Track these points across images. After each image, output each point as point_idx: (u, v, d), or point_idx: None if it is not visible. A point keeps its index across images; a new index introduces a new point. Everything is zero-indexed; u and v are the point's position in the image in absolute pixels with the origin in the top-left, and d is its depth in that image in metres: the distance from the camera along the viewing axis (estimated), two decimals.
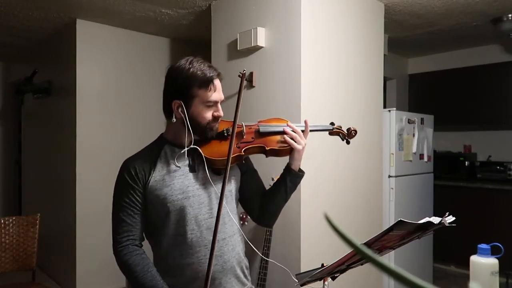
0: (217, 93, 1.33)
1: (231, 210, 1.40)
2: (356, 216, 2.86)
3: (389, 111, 3.35)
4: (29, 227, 2.75)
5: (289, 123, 1.41)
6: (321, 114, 2.57)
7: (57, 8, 3.26)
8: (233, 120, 1.27)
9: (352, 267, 1.18)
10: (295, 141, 1.37)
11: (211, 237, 1.29)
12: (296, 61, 2.48)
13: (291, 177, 1.42)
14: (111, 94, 3.74)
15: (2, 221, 2.69)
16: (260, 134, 1.39)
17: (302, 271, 2.22)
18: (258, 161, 1.60)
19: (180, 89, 1.30)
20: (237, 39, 2.78)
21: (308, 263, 2.41)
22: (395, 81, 4.85)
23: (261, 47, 2.67)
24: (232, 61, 2.89)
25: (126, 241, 1.29)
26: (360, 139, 2.88)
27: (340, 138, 1.55)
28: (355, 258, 1.09)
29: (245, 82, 2.77)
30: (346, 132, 1.53)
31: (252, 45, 2.66)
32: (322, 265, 1.18)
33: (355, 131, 1.53)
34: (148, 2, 3.13)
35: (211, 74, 1.30)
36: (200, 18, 3.44)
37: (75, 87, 3.53)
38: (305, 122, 1.42)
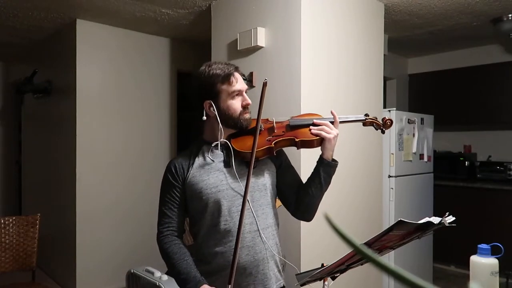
0: (239, 84, 1.44)
1: (265, 204, 1.45)
2: (356, 216, 2.86)
3: (389, 111, 3.35)
4: (29, 227, 2.75)
5: (317, 117, 1.48)
6: (321, 114, 2.56)
7: (57, 8, 3.26)
8: (265, 118, 1.44)
9: (352, 267, 1.18)
10: (324, 131, 1.41)
11: (244, 228, 1.37)
12: (296, 61, 2.48)
13: (324, 167, 1.45)
14: (111, 94, 3.74)
15: (2, 221, 2.69)
16: (291, 128, 1.46)
17: (302, 271, 2.21)
18: None
19: (206, 89, 1.42)
20: (237, 39, 2.78)
21: (308, 263, 2.41)
22: (395, 81, 4.84)
23: (261, 47, 2.67)
24: (232, 61, 2.89)
25: (166, 231, 1.43)
26: (360, 139, 2.89)
27: (374, 128, 1.54)
28: (355, 258, 1.09)
29: (247, 82, 2.78)
30: (381, 122, 1.52)
31: (252, 45, 2.66)
32: (322, 265, 1.18)
33: (391, 120, 1.52)
34: (148, 2, 3.13)
35: (230, 69, 1.43)
36: (200, 18, 3.44)
37: (75, 87, 3.53)
38: (332, 112, 1.47)
